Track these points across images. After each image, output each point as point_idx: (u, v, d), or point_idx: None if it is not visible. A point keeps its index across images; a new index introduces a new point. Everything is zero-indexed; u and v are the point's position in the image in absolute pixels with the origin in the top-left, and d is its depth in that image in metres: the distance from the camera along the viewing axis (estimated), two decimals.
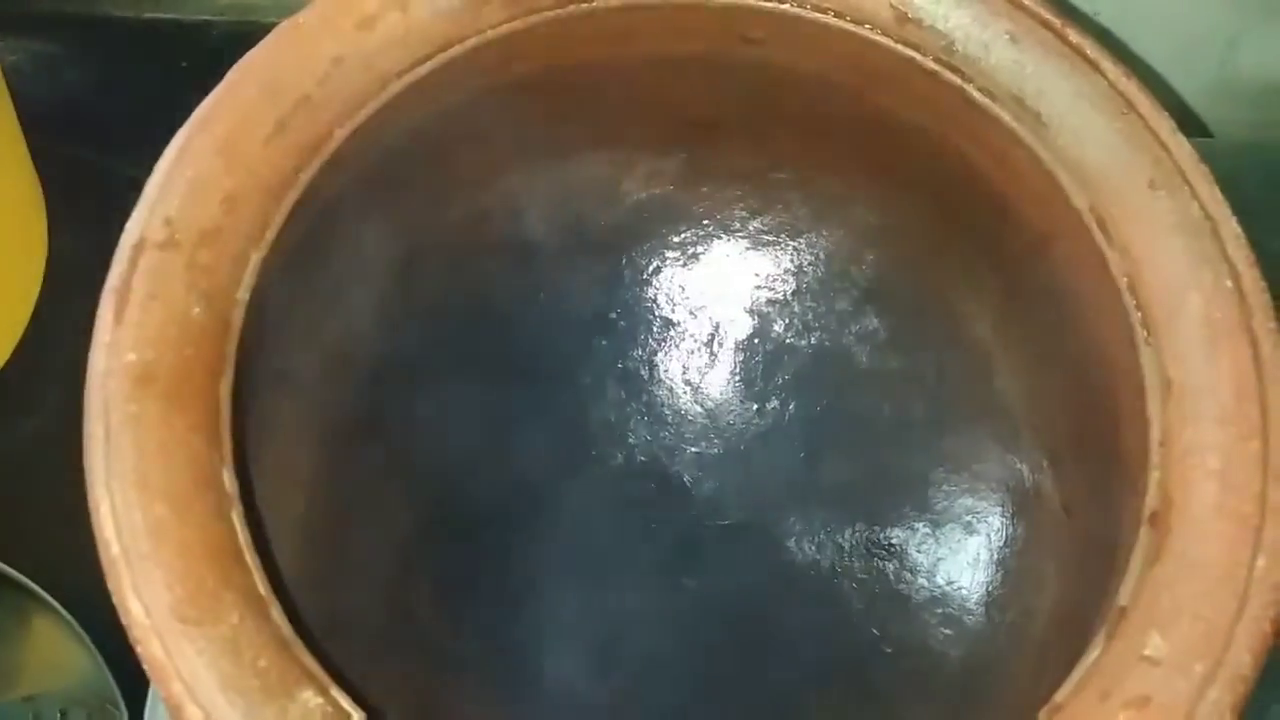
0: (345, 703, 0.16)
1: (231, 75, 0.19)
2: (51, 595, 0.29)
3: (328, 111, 0.20)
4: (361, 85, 0.20)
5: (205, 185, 0.19)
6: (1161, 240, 0.20)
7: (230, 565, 0.17)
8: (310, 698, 0.16)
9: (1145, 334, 0.19)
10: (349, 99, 0.20)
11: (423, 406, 0.26)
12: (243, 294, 0.19)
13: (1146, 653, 0.17)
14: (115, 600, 0.16)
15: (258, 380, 0.19)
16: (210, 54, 0.39)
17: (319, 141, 0.20)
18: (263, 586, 0.17)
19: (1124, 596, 0.18)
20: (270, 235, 0.19)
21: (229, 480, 0.17)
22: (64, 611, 0.29)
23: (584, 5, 0.22)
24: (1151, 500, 0.18)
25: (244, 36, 0.39)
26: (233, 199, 0.19)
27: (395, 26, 0.20)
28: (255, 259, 0.19)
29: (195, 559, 0.16)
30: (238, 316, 0.18)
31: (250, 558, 0.17)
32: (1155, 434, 0.19)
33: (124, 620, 0.16)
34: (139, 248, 0.18)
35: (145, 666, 0.16)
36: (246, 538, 0.17)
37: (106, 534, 0.16)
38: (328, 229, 0.21)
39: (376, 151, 0.21)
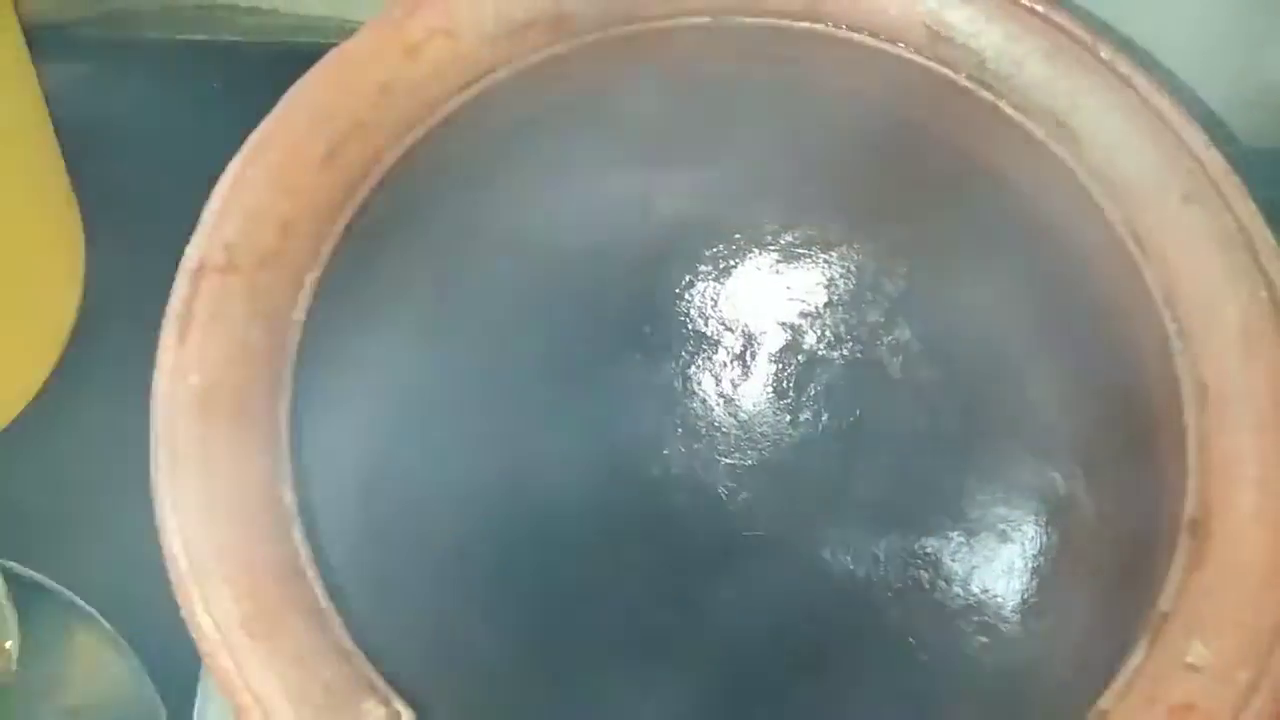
0: (406, 714, 0.17)
1: (283, 103, 0.20)
2: (93, 608, 0.29)
3: (377, 136, 0.20)
4: (410, 110, 0.20)
5: (262, 211, 0.19)
6: (1197, 252, 0.20)
7: (293, 580, 0.17)
8: (373, 708, 0.16)
9: (1181, 344, 0.20)
10: (398, 124, 0.20)
11: (460, 423, 0.26)
12: (299, 315, 0.19)
13: (1189, 660, 0.17)
14: (185, 615, 0.17)
15: (310, 398, 0.20)
16: (242, 74, 0.40)
17: (369, 166, 0.20)
18: (324, 600, 0.17)
19: (1165, 603, 0.18)
20: (323, 257, 0.19)
21: (289, 498, 0.18)
22: (106, 624, 0.30)
23: (622, 29, 0.22)
24: (1191, 507, 0.19)
25: (275, 57, 0.40)
26: (288, 224, 0.19)
27: (442, 53, 0.21)
28: (310, 281, 0.19)
29: (261, 575, 0.17)
30: (294, 338, 0.19)
31: (311, 572, 0.17)
32: (1192, 442, 0.19)
33: (194, 635, 0.16)
34: (199, 272, 0.18)
35: (216, 679, 0.16)
36: (308, 553, 0.17)
37: (175, 550, 0.17)
38: (372, 250, 0.22)
39: (420, 174, 0.22)
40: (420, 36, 0.21)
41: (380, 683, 0.17)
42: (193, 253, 0.19)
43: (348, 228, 0.20)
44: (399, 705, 0.17)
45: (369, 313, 0.23)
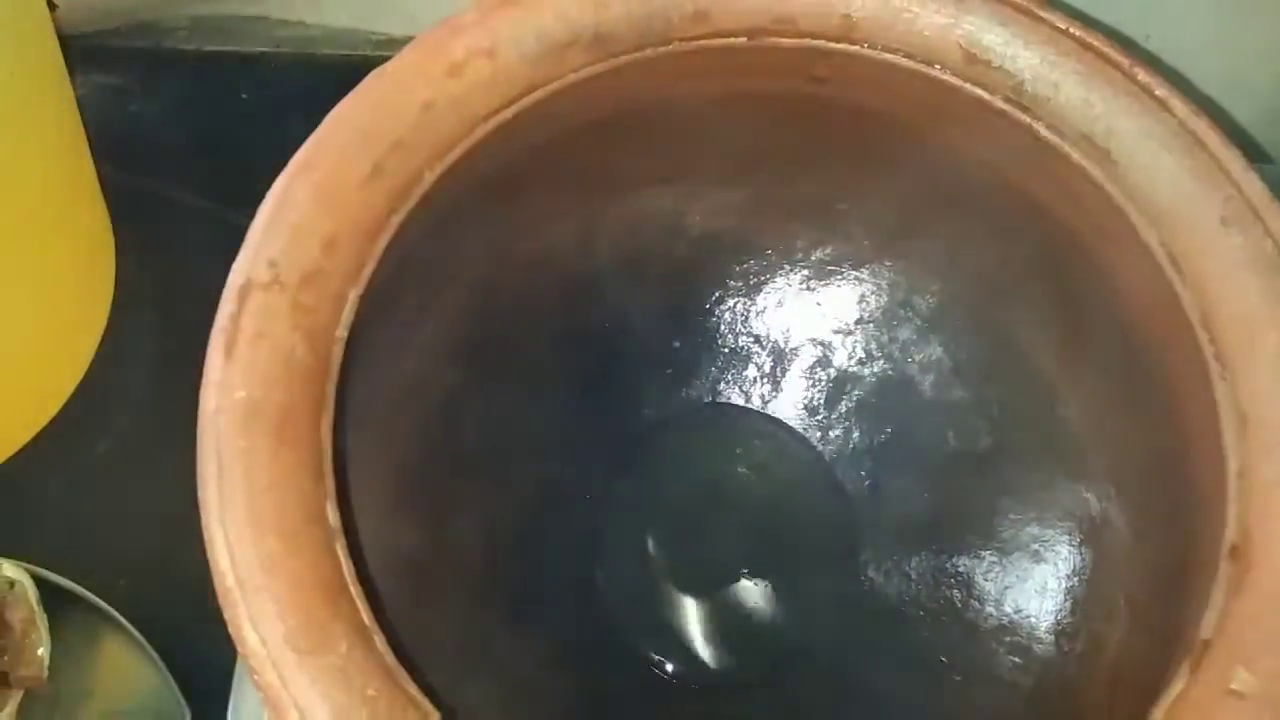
0: None
1: (327, 122, 0.20)
2: (122, 615, 0.30)
3: (419, 154, 0.20)
4: (451, 129, 0.21)
5: (306, 229, 0.19)
6: (1235, 276, 0.20)
7: (337, 596, 0.17)
8: None
9: (1220, 369, 0.20)
10: (439, 142, 0.20)
11: (493, 437, 0.26)
12: (341, 332, 0.19)
13: (1233, 686, 0.17)
14: (231, 630, 0.17)
15: (348, 413, 0.20)
16: (269, 85, 0.40)
17: (411, 183, 0.20)
18: (367, 617, 0.17)
19: (1206, 629, 0.18)
20: (366, 274, 0.20)
21: (332, 514, 0.18)
22: (134, 631, 0.30)
23: (660, 49, 0.22)
24: (1231, 533, 0.19)
25: (301, 68, 0.40)
26: (332, 241, 0.19)
27: (482, 72, 0.21)
28: (353, 298, 0.19)
29: (306, 591, 0.17)
30: (337, 354, 0.19)
31: (354, 589, 0.17)
32: (1232, 467, 0.19)
33: (240, 650, 0.17)
34: (246, 289, 0.19)
35: (261, 694, 0.16)
36: (350, 569, 0.18)
37: (222, 566, 0.17)
38: (411, 266, 0.22)
39: (460, 191, 0.22)
40: (462, 56, 0.21)
41: (422, 699, 0.17)
42: (239, 269, 0.19)
43: (389, 245, 0.20)
44: None
45: (409, 329, 0.23)
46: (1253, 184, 0.21)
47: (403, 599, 0.21)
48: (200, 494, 0.17)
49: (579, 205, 0.25)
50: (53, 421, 0.34)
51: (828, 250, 0.28)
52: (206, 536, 0.17)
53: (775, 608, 0.27)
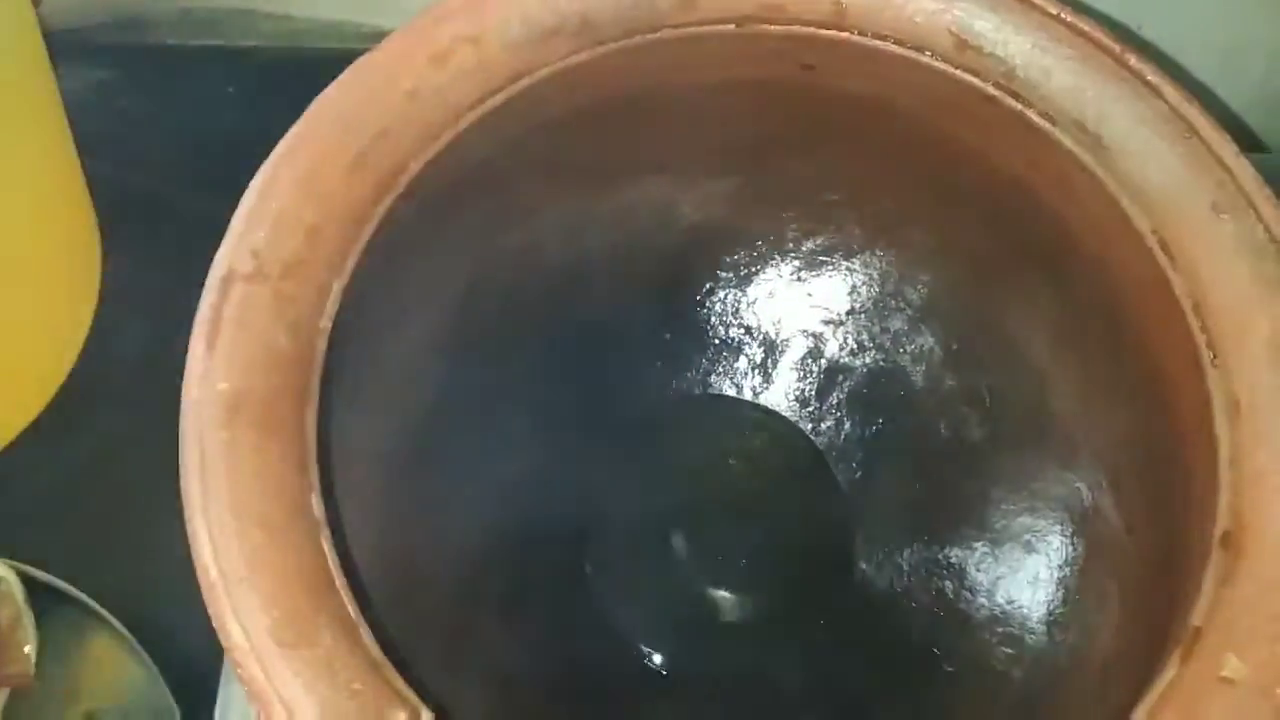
0: None
1: (311, 111, 0.20)
2: (109, 612, 0.29)
3: (404, 143, 0.20)
4: (436, 118, 0.20)
5: (289, 218, 0.19)
6: (1227, 263, 0.20)
7: (322, 589, 0.17)
8: (402, 718, 0.16)
9: (1212, 355, 0.20)
10: (424, 131, 0.20)
11: (482, 430, 0.26)
12: (325, 322, 0.19)
13: (1224, 674, 0.17)
14: (215, 624, 0.16)
15: (333, 404, 0.20)
16: (256, 78, 0.40)
17: (396, 173, 0.20)
18: (352, 609, 0.17)
19: (1198, 617, 0.18)
20: (350, 265, 0.19)
21: (317, 506, 0.18)
22: (123, 629, 0.30)
23: (647, 36, 0.22)
24: (1223, 521, 0.18)
25: (289, 61, 0.40)
26: (315, 231, 0.19)
27: (467, 60, 0.21)
28: (336, 288, 0.19)
29: (290, 583, 0.17)
30: (321, 345, 0.19)
31: (339, 581, 0.17)
32: (1224, 455, 0.19)
33: (224, 643, 0.16)
34: (228, 279, 0.18)
35: (245, 688, 0.16)
36: (335, 562, 0.17)
37: (205, 559, 0.17)
38: (396, 257, 0.22)
39: (445, 181, 0.22)
40: (447, 44, 0.21)
41: (408, 692, 0.17)
42: (221, 259, 0.19)
43: (374, 235, 0.20)
44: (426, 715, 0.17)
45: (394, 320, 0.23)
46: (1244, 170, 0.20)
47: (389, 592, 0.21)
48: (183, 486, 0.17)
49: (567, 195, 0.25)
50: (38, 418, 0.34)
51: (819, 240, 0.27)
52: (189, 529, 0.17)
53: (767, 599, 0.27)
